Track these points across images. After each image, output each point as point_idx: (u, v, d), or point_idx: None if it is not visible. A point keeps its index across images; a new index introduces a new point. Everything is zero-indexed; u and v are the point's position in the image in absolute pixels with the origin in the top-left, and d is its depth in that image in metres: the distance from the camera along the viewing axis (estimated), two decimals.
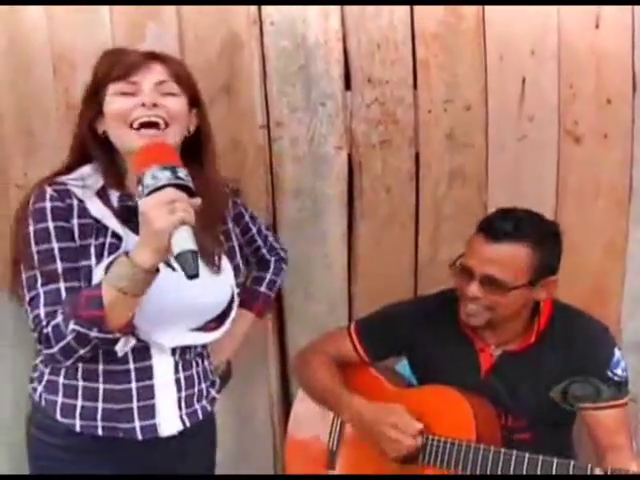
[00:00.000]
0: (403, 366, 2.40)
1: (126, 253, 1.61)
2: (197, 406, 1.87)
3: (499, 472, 1.93)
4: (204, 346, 1.93)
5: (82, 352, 1.63)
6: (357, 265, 2.79)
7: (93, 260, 1.69)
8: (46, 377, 1.80)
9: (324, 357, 2.30)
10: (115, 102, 1.73)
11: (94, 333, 1.60)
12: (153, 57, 1.79)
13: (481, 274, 2.02)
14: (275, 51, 2.60)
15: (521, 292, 2.02)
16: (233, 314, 1.88)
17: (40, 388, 1.80)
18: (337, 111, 2.66)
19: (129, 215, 1.73)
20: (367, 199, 2.73)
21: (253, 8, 2.56)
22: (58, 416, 1.76)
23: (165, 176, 1.54)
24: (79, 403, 1.76)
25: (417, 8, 2.56)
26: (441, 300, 2.26)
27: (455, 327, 2.20)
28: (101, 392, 1.75)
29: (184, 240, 1.51)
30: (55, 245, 1.66)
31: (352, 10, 2.57)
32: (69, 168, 1.81)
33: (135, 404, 1.77)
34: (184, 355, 1.84)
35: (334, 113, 2.66)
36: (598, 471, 1.83)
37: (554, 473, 1.86)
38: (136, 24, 2.56)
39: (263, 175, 2.70)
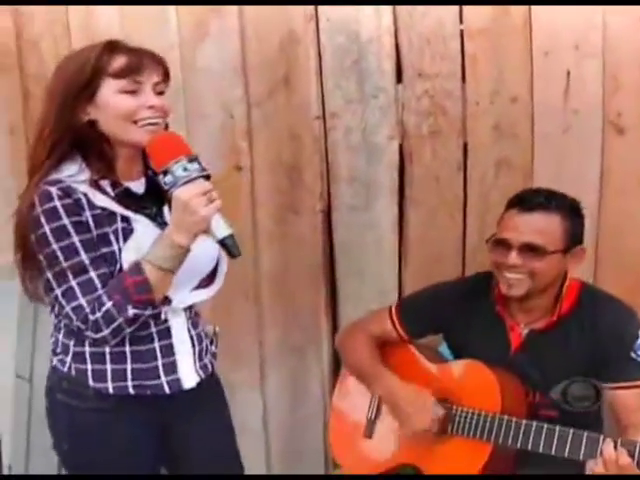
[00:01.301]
0: (444, 348, 2.52)
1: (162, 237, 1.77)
2: (205, 360, 2.02)
3: (520, 443, 2.04)
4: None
5: (129, 330, 1.78)
6: (407, 251, 2.92)
7: (115, 246, 1.80)
8: (72, 349, 1.88)
9: (365, 335, 2.43)
10: (120, 100, 1.78)
11: (148, 312, 1.77)
12: (151, 57, 1.86)
13: (519, 243, 2.12)
14: (330, 47, 2.76)
15: (557, 258, 2.13)
16: (224, 268, 1.99)
17: (68, 359, 1.89)
18: (389, 103, 2.79)
19: (126, 200, 1.84)
20: (417, 187, 2.86)
21: (310, 8, 2.71)
22: (90, 382, 1.87)
23: (194, 168, 1.70)
24: (109, 367, 1.87)
25: (465, 6, 2.68)
26: (476, 281, 2.38)
27: (488, 307, 2.30)
28: (128, 355, 1.87)
29: (223, 226, 1.71)
30: (76, 239, 1.74)
31: (403, 9, 2.70)
32: (54, 165, 1.80)
33: (160, 361, 1.90)
34: (191, 314, 2.00)
35: (386, 105, 2.80)
36: (609, 441, 1.91)
37: (582, 448, 1.95)
38: (200, 22, 2.74)
39: (319, 163, 2.85)
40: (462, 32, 2.71)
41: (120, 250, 1.80)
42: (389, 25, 2.72)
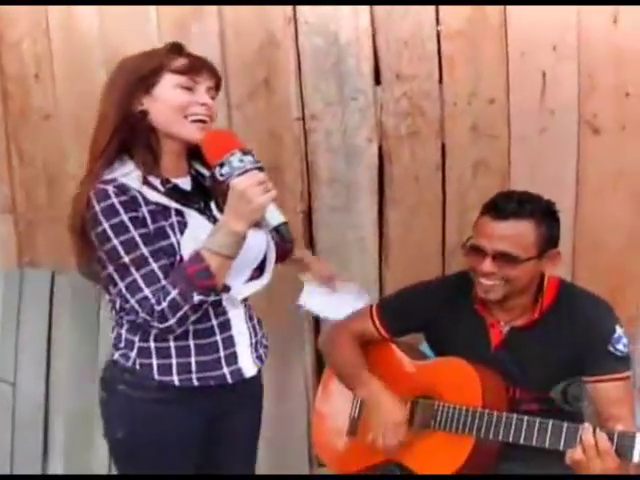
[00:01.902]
0: (425, 347, 2.55)
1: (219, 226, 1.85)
2: (260, 351, 2.11)
3: (502, 435, 2.07)
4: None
5: (193, 318, 1.86)
6: (388, 250, 2.96)
7: (173, 238, 1.87)
8: (137, 344, 1.95)
9: (347, 335, 2.45)
10: (176, 94, 1.89)
11: (211, 297, 1.85)
12: (210, 65, 1.97)
13: (493, 250, 2.14)
14: (309, 49, 2.80)
15: (531, 264, 2.16)
16: (272, 260, 2.09)
17: (133, 354, 1.95)
18: (368, 105, 2.84)
19: (176, 195, 1.94)
20: (396, 187, 2.90)
21: (289, 9, 2.76)
22: (155, 376, 1.94)
23: (249, 160, 1.79)
24: (174, 361, 1.94)
25: (442, 6, 2.73)
26: (456, 280, 2.41)
27: (468, 305, 2.33)
28: (192, 348, 1.95)
29: (278, 214, 1.80)
30: (135, 233, 1.81)
31: (381, 10, 2.74)
32: (109, 162, 1.88)
33: (222, 353, 1.98)
34: (247, 307, 2.09)
35: (365, 107, 2.84)
36: (588, 427, 1.93)
37: (563, 438, 1.98)
38: (181, 25, 2.77)
39: (299, 164, 2.90)
40: (439, 34, 2.75)
41: (178, 242, 1.87)
42: (367, 28, 2.76)
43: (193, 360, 1.95)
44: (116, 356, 1.99)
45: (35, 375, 3.12)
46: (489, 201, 2.22)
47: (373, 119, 2.84)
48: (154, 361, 1.94)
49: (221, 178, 1.79)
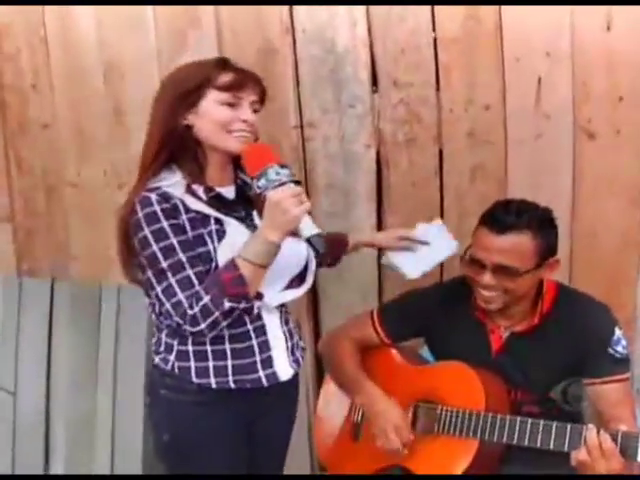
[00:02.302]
0: (425, 351, 2.56)
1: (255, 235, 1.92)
2: (297, 354, 2.17)
3: (506, 437, 2.09)
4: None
5: (224, 324, 1.92)
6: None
7: (210, 246, 1.94)
8: (176, 348, 2.03)
9: (348, 341, 2.47)
10: (221, 111, 1.96)
11: (242, 305, 1.90)
12: (254, 78, 2.02)
13: (492, 264, 2.16)
14: (307, 57, 2.82)
15: (531, 275, 2.18)
16: (313, 269, 2.15)
17: (172, 358, 2.03)
18: (365, 112, 2.86)
19: (218, 204, 2.01)
20: (394, 194, 2.93)
21: (286, 17, 2.78)
22: (193, 378, 2.01)
23: (285, 173, 1.87)
24: (211, 364, 2.02)
25: (438, 14, 2.75)
26: (455, 286, 2.42)
27: (468, 310, 2.35)
28: (229, 352, 2.02)
29: (312, 226, 1.87)
30: (174, 240, 1.89)
31: (378, 17, 2.77)
32: (156, 173, 1.97)
33: (258, 357, 2.04)
34: (282, 312, 2.14)
35: (363, 114, 2.86)
36: (592, 427, 1.96)
37: (567, 440, 2.00)
38: (179, 32, 2.79)
39: (297, 172, 2.90)
40: (435, 41, 2.77)
41: (215, 250, 1.94)
42: (364, 35, 2.78)
43: (230, 363, 2.02)
44: (156, 360, 2.09)
45: (35, 383, 3.14)
46: (487, 212, 2.23)
47: (371, 126, 2.87)
48: (192, 364, 2.02)
49: (258, 190, 1.87)
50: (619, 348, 2.19)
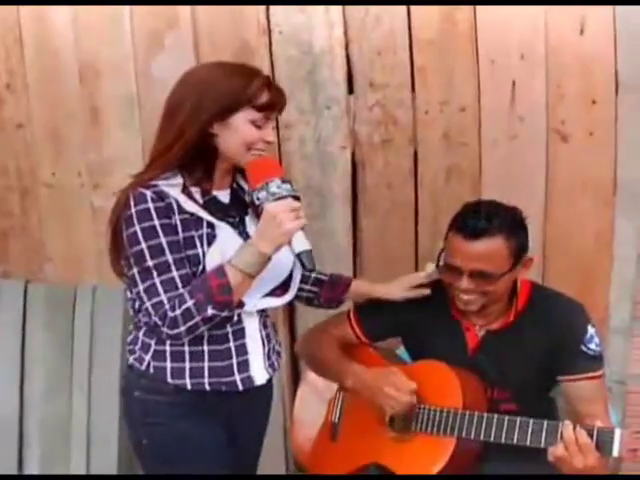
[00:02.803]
0: (403, 352, 2.58)
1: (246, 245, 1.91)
2: (273, 359, 2.16)
3: (483, 435, 2.11)
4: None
5: (203, 328, 1.91)
6: (362, 256, 3.00)
7: (199, 249, 1.93)
8: (153, 347, 2.01)
9: (327, 335, 2.47)
10: (249, 129, 1.93)
11: (225, 313, 1.90)
12: (284, 98, 2.01)
13: (469, 270, 2.17)
14: (283, 58, 2.84)
15: (508, 276, 2.20)
16: (298, 279, 2.14)
17: (148, 357, 2.01)
18: (341, 113, 2.88)
19: (213, 208, 1.99)
20: (370, 195, 2.95)
21: (263, 19, 2.79)
22: (169, 379, 1.99)
23: (286, 188, 1.88)
24: (187, 365, 2.00)
25: (414, 16, 2.77)
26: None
27: (444, 310, 2.35)
28: (206, 354, 2.00)
29: (303, 241, 1.88)
30: (163, 240, 1.87)
31: (354, 20, 2.79)
32: (166, 172, 1.93)
33: (235, 360, 2.03)
34: (262, 316, 2.12)
35: (339, 115, 2.88)
36: (568, 424, 1.97)
37: (543, 436, 2.02)
38: (155, 33, 2.79)
39: None
40: (411, 43, 2.80)
41: (204, 253, 1.93)
42: (340, 37, 2.80)
43: (206, 365, 2.00)
44: (131, 361, 2.06)
45: (9, 385, 3.10)
46: (458, 218, 2.23)
47: (347, 127, 2.88)
48: (168, 364, 2.00)
49: (257, 202, 1.88)
50: (592, 345, 2.21)
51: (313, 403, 2.53)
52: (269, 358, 2.12)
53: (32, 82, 2.94)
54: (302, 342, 2.61)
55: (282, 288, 2.11)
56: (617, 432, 1.93)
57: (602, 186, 2.87)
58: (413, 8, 2.77)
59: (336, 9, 2.79)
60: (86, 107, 2.89)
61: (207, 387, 2.01)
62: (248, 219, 2.06)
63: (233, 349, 2.03)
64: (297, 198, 1.89)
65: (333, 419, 2.45)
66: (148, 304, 1.89)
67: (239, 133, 1.93)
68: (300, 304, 2.52)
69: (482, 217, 2.17)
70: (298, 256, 1.89)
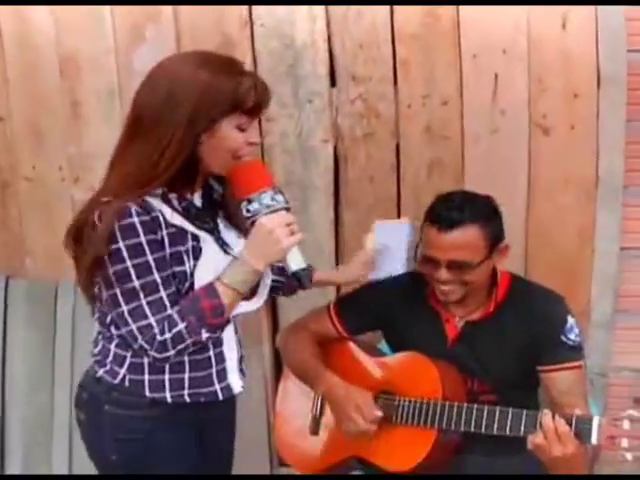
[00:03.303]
0: (384, 346, 2.58)
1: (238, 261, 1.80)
2: (242, 365, 2.06)
3: (463, 425, 2.11)
4: None
5: (191, 349, 1.81)
6: (344, 250, 3.00)
7: (187, 265, 1.80)
8: (128, 360, 1.87)
9: (306, 334, 2.48)
10: (235, 136, 1.78)
11: (217, 334, 1.84)
12: (270, 95, 1.86)
13: (446, 260, 2.18)
14: (265, 52, 2.83)
15: (485, 265, 2.21)
16: (267, 282, 1.98)
17: (123, 370, 1.87)
18: (324, 107, 2.87)
19: (190, 214, 1.84)
20: (352, 188, 2.94)
21: (245, 12, 2.78)
22: (146, 392, 1.87)
23: (280, 200, 1.78)
24: (167, 377, 1.88)
25: (397, 10, 2.77)
26: (411, 277, 2.44)
27: (423, 301, 2.36)
28: (187, 364, 1.88)
29: (299, 258, 1.81)
30: (150, 258, 1.73)
31: (336, 13, 2.78)
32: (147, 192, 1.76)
33: (214, 369, 1.93)
34: (234, 322, 2.01)
35: (321, 109, 2.87)
36: (547, 412, 1.97)
37: (522, 425, 2.02)
38: (136, 27, 2.78)
39: None
40: (393, 36, 2.79)
41: (192, 269, 1.81)
42: (323, 30, 2.79)
43: (187, 376, 1.90)
44: (100, 373, 1.92)
45: None
46: (430, 210, 2.24)
47: (329, 121, 2.88)
48: (146, 377, 1.88)
49: (247, 213, 1.77)
50: (572, 336, 2.22)
51: (295, 397, 2.53)
52: (240, 364, 2.03)
53: (12, 76, 2.93)
54: (282, 339, 2.60)
55: (251, 291, 1.95)
56: (595, 420, 1.93)
57: (584, 180, 2.88)
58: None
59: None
60: (67, 101, 2.87)
61: (187, 399, 1.90)
62: (221, 225, 1.93)
63: (213, 358, 1.93)
64: (289, 210, 1.79)
65: (315, 413, 2.45)
66: (134, 327, 1.76)
67: (225, 140, 1.78)
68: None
69: (454, 207, 2.18)
70: (295, 274, 1.81)
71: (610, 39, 2.74)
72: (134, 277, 1.73)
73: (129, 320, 1.76)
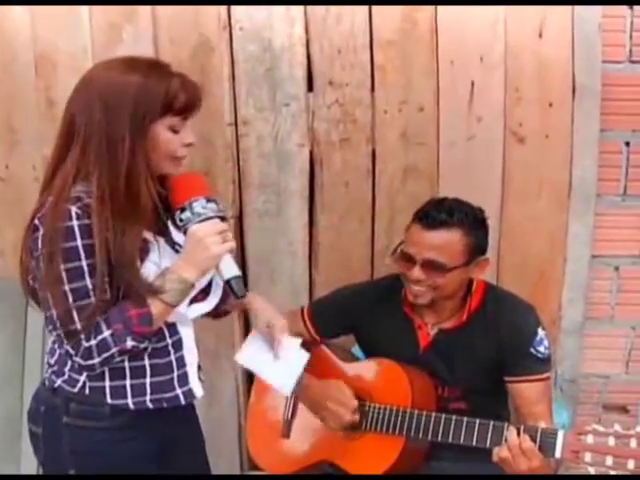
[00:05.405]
0: (357, 350, 2.59)
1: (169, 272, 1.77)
2: (200, 374, 2.01)
3: (431, 435, 2.14)
4: None
5: (119, 359, 1.78)
6: (318, 254, 3.00)
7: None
8: None
9: None
10: (169, 138, 1.77)
11: (144, 345, 1.78)
12: (200, 94, 1.83)
13: (422, 259, 2.21)
14: (243, 55, 2.82)
15: (459, 272, 2.23)
16: (220, 282, 1.94)
17: (82, 377, 1.84)
18: (300, 111, 2.87)
19: None
20: (327, 193, 2.94)
21: (224, 15, 2.77)
22: (108, 399, 1.84)
23: (212, 208, 1.77)
24: (128, 382, 1.85)
25: (375, 16, 2.77)
26: (385, 283, 2.46)
27: (396, 308, 2.39)
28: (148, 368, 1.86)
29: (232, 267, 1.79)
30: (84, 263, 1.70)
31: (315, 17, 2.78)
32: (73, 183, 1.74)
33: (175, 373, 1.90)
34: (193, 326, 1.98)
35: (297, 113, 2.87)
36: (512, 429, 2.00)
37: (489, 437, 2.05)
38: (114, 26, 2.76)
39: (231, 170, 2.91)
40: (371, 42, 2.80)
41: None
42: (301, 35, 2.79)
43: (148, 381, 1.87)
44: (58, 382, 1.88)
45: None
46: (421, 208, 2.27)
47: (305, 125, 2.87)
48: (107, 383, 1.84)
49: (180, 223, 1.77)
50: (541, 348, 2.25)
51: (267, 400, 2.53)
52: (199, 369, 2.00)
53: None
54: None
55: (202, 292, 1.96)
56: (560, 434, 1.96)
57: (557, 188, 2.90)
58: (374, 8, 2.77)
59: (297, 7, 2.77)
60: (42, 99, 2.84)
61: (149, 405, 1.87)
62: (171, 226, 1.88)
63: (174, 362, 1.90)
64: (223, 219, 1.79)
65: (286, 416, 2.45)
66: (61, 330, 1.74)
67: (159, 144, 1.77)
68: None
69: (444, 210, 2.22)
70: (227, 282, 1.79)
71: (585, 49, 2.76)
72: (65, 281, 1.71)
73: (58, 323, 1.74)
